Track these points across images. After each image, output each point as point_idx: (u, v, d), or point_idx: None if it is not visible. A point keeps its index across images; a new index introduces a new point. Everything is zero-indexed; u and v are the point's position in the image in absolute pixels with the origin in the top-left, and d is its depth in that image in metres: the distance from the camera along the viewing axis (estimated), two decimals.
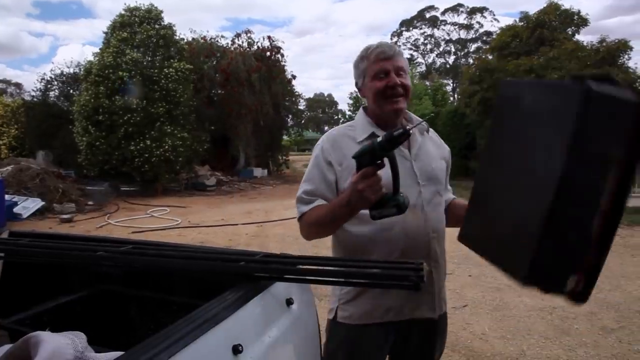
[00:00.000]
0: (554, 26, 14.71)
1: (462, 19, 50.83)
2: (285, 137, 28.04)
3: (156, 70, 14.71)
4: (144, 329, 1.33)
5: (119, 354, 0.88)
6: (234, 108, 18.93)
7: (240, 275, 1.16)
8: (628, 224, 8.48)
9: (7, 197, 9.68)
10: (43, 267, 1.63)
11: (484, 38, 46.35)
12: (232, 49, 20.81)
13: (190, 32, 26.17)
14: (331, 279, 1.18)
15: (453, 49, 51.31)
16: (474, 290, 4.89)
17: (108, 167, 14.46)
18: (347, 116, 42.91)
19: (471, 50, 48.21)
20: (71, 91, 18.58)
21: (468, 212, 1.31)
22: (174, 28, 16.29)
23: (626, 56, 12.77)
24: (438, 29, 51.86)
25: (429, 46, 52.29)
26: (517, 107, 0.99)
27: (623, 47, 12.59)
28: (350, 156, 1.34)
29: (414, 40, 52.36)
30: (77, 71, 17.98)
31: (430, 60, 52.30)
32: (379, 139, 1.15)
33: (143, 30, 15.24)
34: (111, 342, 1.28)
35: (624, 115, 0.81)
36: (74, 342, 0.70)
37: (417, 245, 1.46)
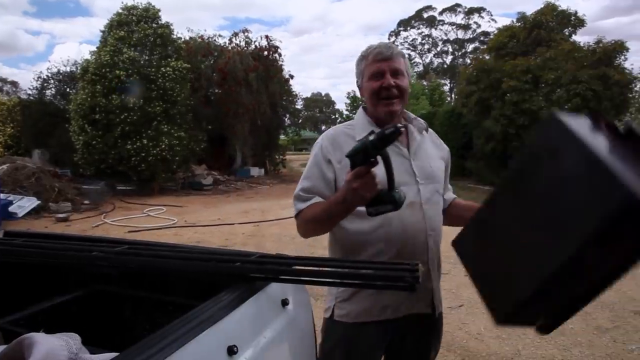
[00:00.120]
0: (551, 27, 14.75)
1: (459, 19, 50.99)
2: (282, 137, 28.04)
3: (153, 69, 14.66)
4: (139, 329, 1.34)
5: (113, 355, 0.87)
6: (231, 107, 18.90)
7: (235, 276, 1.17)
8: None
9: (2, 196, 9.65)
10: (38, 267, 1.62)
11: (482, 38, 46.45)
12: (230, 48, 20.78)
13: (188, 31, 26.10)
14: (327, 279, 1.18)
15: (450, 49, 51.42)
16: (469, 290, 4.90)
17: (104, 166, 14.41)
18: (344, 116, 42.93)
19: (469, 51, 48.34)
20: (68, 90, 18.50)
21: (469, 226, 1.34)
22: (172, 27, 16.25)
23: (622, 57, 12.81)
24: (436, 29, 51.99)
25: (426, 46, 52.43)
26: (555, 159, 1.00)
27: (619, 48, 12.63)
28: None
29: (412, 40, 52.49)
30: (74, 70, 17.91)
31: (427, 60, 52.45)
32: (371, 137, 1.15)
33: (140, 29, 15.19)
34: (106, 343, 1.28)
35: None
36: (68, 343, 0.70)
37: (414, 243, 1.47)
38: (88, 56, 15.64)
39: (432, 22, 51.78)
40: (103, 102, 13.84)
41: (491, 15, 50.05)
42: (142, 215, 10.62)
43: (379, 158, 1.19)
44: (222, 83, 19.25)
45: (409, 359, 1.61)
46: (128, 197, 13.84)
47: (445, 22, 51.53)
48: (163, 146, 14.31)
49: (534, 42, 14.48)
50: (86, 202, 11.92)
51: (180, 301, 1.41)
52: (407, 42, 52.22)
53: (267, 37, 21.75)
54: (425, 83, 35.03)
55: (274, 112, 21.81)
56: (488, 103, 14.05)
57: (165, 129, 14.56)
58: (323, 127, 68.04)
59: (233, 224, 9.20)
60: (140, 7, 15.68)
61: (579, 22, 14.83)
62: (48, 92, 18.99)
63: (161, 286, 1.52)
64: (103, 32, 15.67)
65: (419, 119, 1.67)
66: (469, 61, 33.84)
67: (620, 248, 0.85)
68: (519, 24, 15.43)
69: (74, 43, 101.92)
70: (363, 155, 1.16)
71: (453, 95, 34.73)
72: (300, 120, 31.22)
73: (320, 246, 5.97)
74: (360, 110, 1.65)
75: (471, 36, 50.17)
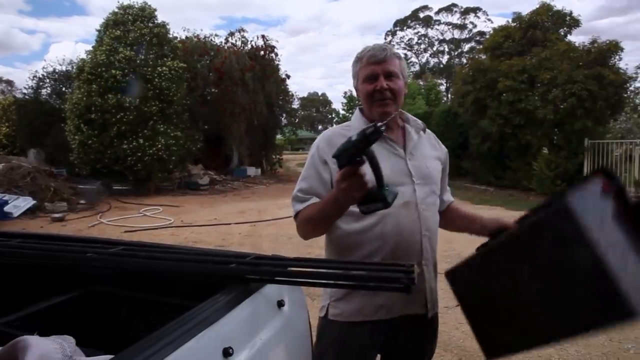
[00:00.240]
0: (546, 27, 14.76)
1: (455, 19, 51.07)
2: (279, 137, 28.00)
3: (149, 69, 14.62)
4: (135, 330, 1.33)
5: (109, 357, 0.87)
6: (227, 107, 18.87)
7: (231, 277, 1.16)
8: None
9: None
10: (33, 268, 1.62)
11: (478, 38, 46.54)
12: (226, 47, 20.75)
13: (184, 30, 26.04)
14: (322, 281, 1.18)
15: (447, 49, 51.50)
16: None
17: (100, 166, 14.36)
18: (340, 115, 42.87)
19: (465, 50, 48.41)
20: (63, 89, 18.44)
21: (465, 265, 1.41)
22: (168, 26, 16.21)
23: (617, 57, 12.84)
24: (432, 28, 52.04)
25: (422, 46, 52.48)
26: (562, 246, 1.12)
27: (614, 48, 12.66)
28: None
29: (408, 40, 52.53)
30: (70, 69, 17.84)
31: (424, 60, 52.50)
32: (353, 137, 1.15)
33: (136, 28, 15.14)
34: (102, 344, 1.28)
35: None
36: (62, 346, 0.70)
37: (408, 243, 1.48)
38: (84, 55, 15.60)
39: (428, 22, 51.83)
40: (99, 102, 13.79)
41: (487, 15, 50.27)
42: (139, 215, 10.59)
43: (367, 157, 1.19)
44: (219, 83, 19.22)
45: (404, 359, 1.61)
46: (124, 196, 13.81)
47: (442, 22, 51.63)
48: (159, 146, 14.28)
49: (530, 42, 14.49)
50: (82, 202, 11.88)
51: (176, 302, 1.41)
52: (403, 41, 52.29)
53: (263, 36, 21.76)
54: (421, 83, 35.02)
55: (270, 112, 21.79)
56: (484, 103, 14.06)
57: (161, 129, 14.52)
58: (320, 127, 68.14)
59: (230, 224, 9.19)
60: (136, 6, 15.63)
61: (574, 22, 14.85)
62: (44, 91, 18.96)
63: (157, 287, 1.51)
64: (99, 31, 15.62)
65: (417, 119, 1.68)
66: (465, 61, 33.88)
67: None
68: (515, 24, 15.43)
69: (70, 42, 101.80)
70: (347, 156, 1.17)
71: (449, 95, 34.77)
72: (297, 120, 31.17)
73: (317, 246, 5.96)
74: (357, 112, 1.66)
75: (467, 36, 50.27)
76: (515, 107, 13.13)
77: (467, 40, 49.93)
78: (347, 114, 36.12)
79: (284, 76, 22.73)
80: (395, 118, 1.61)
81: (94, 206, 11.69)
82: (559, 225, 1.10)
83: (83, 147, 14.10)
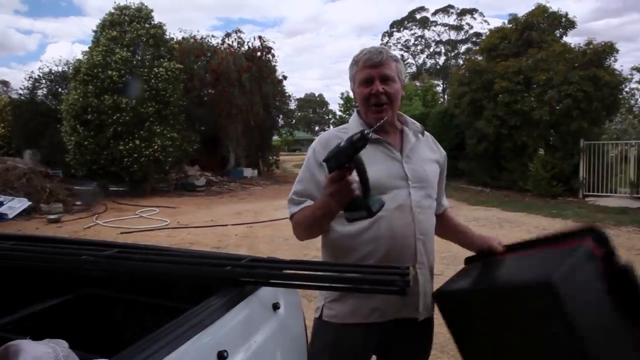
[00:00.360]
0: (542, 28, 14.80)
1: (452, 20, 51.20)
2: (275, 137, 27.98)
3: (146, 70, 14.59)
4: (129, 333, 1.33)
5: None
6: (224, 108, 18.84)
7: (226, 280, 1.16)
8: (614, 224, 8.58)
9: None
10: (27, 271, 1.61)
11: (474, 39, 46.67)
12: (222, 48, 20.73)
13: (180, 31, 25.97)
14: (317, 283, 1.18)
15: (443, 50, 51.60)
16: None
17: (96, 167, 14.32)
18: (337, 117, 42.89)
19: (461, 52, 48.51)
20: (59, 90, 18.36)
21: (453, 294, 1.46)
22: (165, 27, 16.19)
23: (612, 58, 12.88)
24: (428, 30, 52.15)
25: (419, 47, 52.56)
26: (542, 320, 1.15)
27: (609, 49, 12.70)
28: None
29: (405, 41, 52.63)
30: (66, 69, 17.77)
31: (420, 61, 52.58)
32: (342, 143, 1.15)
33: (133, 29, 15.11)
34: (96, 347, 1.27)
35: None
36: (55, 350, 0.70)
37: (402, 246, 1.48)
38: (80, 56, 15.56)
39: (424, 23, 51.93)
40: (95, 103, 13.75)
41: (483, 16, 50.29)
42: (135, 217, 10.56)
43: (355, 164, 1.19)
44: (215, 84, 19.19)
45: None
46: (120, 198, 13.77)
47: (438, 23, 51.75)
48: (155, 147, 14.25)
49: (526, 44, 14.53)
50: (78, 203, 11.83)
51: (171, 305, 1.41)
52: (400, 43, 52.39)
53: (260, 37, 21.73)
54: (418, 84, 35.08)
55: (267, 113, 21.77)
56: (480, 104, 14.08)
57: (157, 130, 14.49)
58: (316, 128, 68.17)
59: (226, 225, 9.17)
60: (132, 7, 15.60)
61: (570, 24, 14.90)
62: (40, 92, 18.84)
63: (152, 290, 1.51)
64: (95, 32, 15.57)
65: (415, 122, 1.68)
66: (461, 62, 33.99)
67: None
68: (511, 25, 15.47)
69: (66, 42, 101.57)
70: (335, 161, 1.17)
71: (446, 96, 34.83)
72: (294, 121, 31.10)
73: (313, 247, 5.96)
74: (354, 114, 1.66)
75: (463, 37, 50.39)
76: (511, 108, 13.16)
77: (463, 42, 50.05)
78: (344, 115, 36.15)
79: (280, 77, 22.72)
80: (393, 121, 1.61)
81: (89, 207, 11.65)
82: (540, 298, 1.12)
83: (79, 148, 14.05)
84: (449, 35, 51.30)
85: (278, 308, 1.21)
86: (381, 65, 1.50)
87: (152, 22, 15.83)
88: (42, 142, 16.89)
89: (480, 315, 1.44)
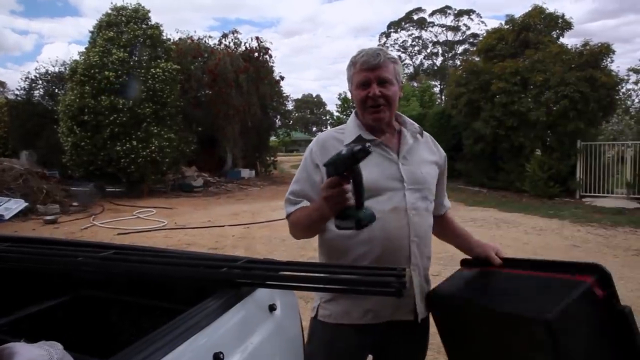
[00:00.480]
0: (538, 29, 14.83)
1: (449, 21, 51.29)
2: (273, 138, 27.98)
3: (143, 71, 14.57)
4: (126, 335, 1.32)
5: None
6: (221, 109, 18.83)
7: (222, 282, 1.16)
8: (611, 224, 8.60)
9: None
10: (23, 272, 1.60)
11: (471, 40, 46.78)
12: (220, 49, 20.71)
13: (177, 32, 25.92)
14: (314, 285, 1.18)
15: (440, 51, 51.68)
16: None
17: (93, 168, 14.28)
18: (335, 117, 42.93)
19: (458, 52, 48.59)
20: (56, 90, 18.33)
21: (446, 298, 1.46)
22: (162, 28, 16.16)
23: (609, 59, 12.92)
24: (426, 30, 52.21)
25: (416, 48, 52.64)
26: (534, 349, 1.17)
27: (606, 50, 12.73)
28: None
29: (402, 42, 52.69)
30: (63, 70, 17.74)
31: (417, 62, 52.65)
32: (343, 151, 1.16)
33: (130, 29, 15.07)
34: (93, 349, 1.27)
35: None
36: (50, 353, 0.69)
37: (396, 248, 1.48)
38: (77, 57, 15.53)
39: (422, 24, 52.01)
40: (92, 103, 13.72)
41: (480, 17, 50.42)
42: (132, 218, 10.54)
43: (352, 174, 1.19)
44: (212, 84, 19.18)
45: None
46: (117, 199, 13.74)
47: (435, 24, 51.85)
48: (153, 148, 14.22)
49: (522, 45, 14.56)
50: (75, 204, 11.80)
51: (167, 306, 1.40)
52: (397, 43, 52.46)
53: (257, 38, 21.73)
54: (415, 85, 35.19)
55: (264, 114, 21.76)
56: (477, 105, 14.11)
57: (155, 131, 14.47)
58: (314, 129, 68.20)
59: (223, 226, 9.16)
60: (129, 7, 15.56)
61: (566, 25, 14.93)
62: (36, 92, 18.81)
63: (148, 291, 1.51)
64: (92, 32, 15.53)
65: (414, 123, 1.66)
66: (458, 63, 34.03)
67: None
68: (508, 26, 15.50)
69: (63, 43, 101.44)
70: (334, 168, 1.17)
71: (443, 97, 34.89)
72: (291, 122, 31.13)
73: (310, 248, 5.97)
74: (352, 115, 1.66)
75: (461, 38, 50.52)
76: (508, 109, 13.19)
77: (460, 42, 50.16)
78: (342, 116, 36.19)
79: (278, 78, 22.74)
80: (391, 122, 1.60)
81: (86, 208, 11.62)
82: (535, 332, 1.13)
83: (76, 149, 14.01)
84: (446, 36, 51.44)
85: (274, 309, 1.21)
86: (379, 67, 1.49)
87: (149, 22, 15.79)
88: (38, 142, 16.86)
89: (470, 325, 1.47)
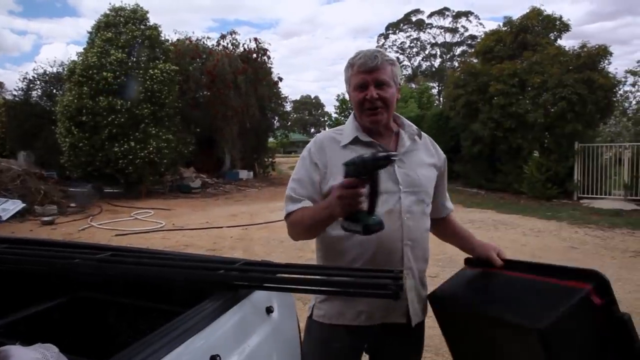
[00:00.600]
0: (536, 31, 14.86)
1: (447, 22, 51.44)
2: (271, 139, 27.96)
3: (141, 71, 14.55)
4: (123, 337, 1.32)
5: None
6: (219, 110, 18.81)
7: (219, 284, 1.16)
8: (609, 226, 8.62)
9: None
10: (19, 274, 1.60)
11: (469, 42, 46.88)
12: (218, 50, 20.70)
13: (175, 33, 25.90)
14: (311, 287, 1.18)
15: (439, 52, 51.80)
16: None
17: (91, 169, 14.26)
18: (333, 118, 42.92)
19: (456, 54, 48.71)
20: (54, 91, 18.30)
21: (448, 301, 1.46)
22: (160, 29, 16.15)
23: (606, 61, 12.95)
24: (424, 32, 52.34)
25: (414, 49, 52.76)
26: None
27: (603, 52, 12.76)
28: (333, 160, 1.48)
29: (400, 43, 52.81)
30: (61, 71, 17.70)
31: (416, 64, 52.76)
32: (366, 155, 1.16)
33: (128, 30, 15.06)
34: (90, 350, 1.26)
35: None
36: (45, 355, 0.69)
37: (389, 251, 1.48)
38: (75, 57, 15.50)
39: (420, 26, 52.12)
40: (90, 104, 13.70)
41: (478, 19, 50.57)
42: (130, 219, 10.52)
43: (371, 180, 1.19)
44: (211, 85, 19.16)
45: None
46: (115, 200, 13.72)
47: (434, 25, 51.96)
48: (151, 149, 14.20)
49: (520, 46, 14.59)
50: (72, 205, 11.77)
51: (164, 308, 1.40)
52: (395, 45, 52.57)
53: (256, 39, 21.71)
54: (413, 86, 35.23)
55: (262, 115, 21.75)
56: (475, 106, 14.13)
57: (153, 132, 14.45)
58: (312, 130, 68.21)
59: (221, 227, 9.15)
60: (128, 8, 15.56)
61: (564, 27, 14.96)
62: (34, 93, 18.77)
63: (145, 293, 1.50)
64: (90, 33, 15.53)
65: (412, 125, 1.66)
66: (456, 64, 34.08)
67: None
68: (506, 28, 15.52)
69: (61, 43, 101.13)
70: (354, 169, 1.18)
71: (441, 99, 34.93)
72: (289, 123, 31.12)
73: (308, 250, 5.96)
74: (350, 117, 1.66)
75: (459, 40, 50.65)
76: (506, 110, 13.22)
77: (458, 44, 50.28)
78: (340, 117, 36.17)
79: (276, 79, 22.72)
80: (389, 124, 1.60)
81: (84, 209, 11.60)
82: (530, 340, 1.13)
83: (74, 150, 13.99)
84: (445, 38, 51.57)
85: (271, 312, 1.21)
86: (376, 70, 1.49)
87: (148, 23, 15.79)
88: (36, 143, 16.83)
89: (469, 327, 1.48)
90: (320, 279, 1.15)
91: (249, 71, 20.00)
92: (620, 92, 15.35)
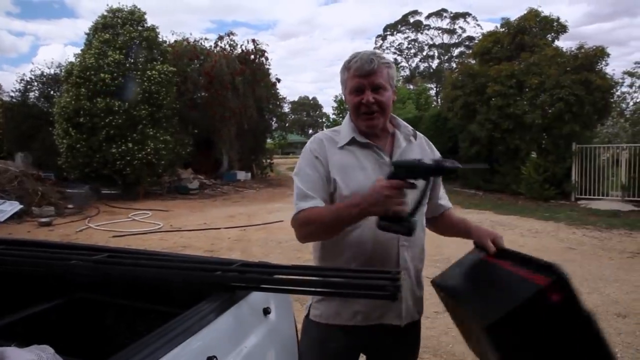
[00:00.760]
0: (534, 32, 14.90)
1: (445, 24, 51.53)
2: (269, 141, 27.97)
3: (139, 73, 14.53)
4: (120, 338, 1.32)
5: None
6: (217, 111, 18.80)
7: (216, 285, 1.16)
8: (606, 227, 8.64)
9: None
10: (16, 275, 1.59)
11: (467, 43, 46.97)
12: (216, 51, 20.70)
13: (173, 34, 25.88)
14: (308, 288, 1.18)
15: (436, 54, 51.90)
16: None
17: (89, 170, 14.23)
18: (331, 119, 42.97)
19: (454, 55, 48.80)
20: (52, 92, 18.26)
21: (448, 288, 1.45)
22: (157, 30, 16.13)
23: (604, 62, 12.99)
24: (422, 33, 52.44)
25: (412, 50, 52.84)
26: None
27: (600, 53, 12.80)
28: (330, 159, 1.50)
29: (398, 45, 52.87)
30: (58, 72, 17.67)
31: (414, 65, 52.86)
32: (428, 162, 1.17)
33: (126, 31, 15.04)
34: (87, 352, 1.26)
35: None
36: (40, 357, 0.69)
37: (385, 251, 1.48)
38: (72, 58, 15.47)
39: (418, 27, 52.20)
40: (87, 105, 13.67)
41: (476, 20, 50.69)
42: (127, 220, 10.50)
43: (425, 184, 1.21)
44: (209, 87, 19.15)
45: None
46: (113, 201, 13.69)
47: (431, 26, 52.05)
48: (149, 150, 14.18)
49: (518, 48, 14.63)
50: (70, 206, 11.75)
51: (161, 309, 1.40)
52: (393, 46, 52.64)
53: (253, 40, 21.71)
54: (411, 87, 35.30)
55: (260, 116, 21.74)
56: (473, 107, 14.17)
57: (150, 133, 14.43)
58: (310, 131, 68.22)
59: (219, 228, 9.14)
60: (125, 9, 15.53)
61: (562, 28, 15.00)
62: (31, 94, 18.74)
63: (143, 294, 1.50)
64: (88, 34, 15.49)
65: (407, 125, 1.66)
66: (454, 66, 34.14)
67: None
68: (503, 29, 15.55)
69: (59, 45, 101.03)
70: (405, 171, 1.19)
71: (439, 100, 35.00)
72: (287, 124, 31.15)
73: (306, 251, 5.96)
74: (347, 117, 1.65)
75: (457, 41, 50.73)
76: (504, 111, 13.25)
77: (456, 45, 50.37)
78: (338, 118, 36.23)
79: (274, 80, 22.71)
80: (385, 125, 1.60)
81: (82, 210, 11.58)
82: (485, 336, 1.13)
83: (71, 151, 13.96)
84: (442, 39, 51.65)
85: (269, 313, 1.21)
86: (372, 74, 1.48)
87: (145, 24, 15.77)
88: (34, 144, 16.79)
89: (456, 312, 1.48)
90: (318, 280, 1.15)
91: (247, 72, 20.00)
92: (618, 93, 15.43)
